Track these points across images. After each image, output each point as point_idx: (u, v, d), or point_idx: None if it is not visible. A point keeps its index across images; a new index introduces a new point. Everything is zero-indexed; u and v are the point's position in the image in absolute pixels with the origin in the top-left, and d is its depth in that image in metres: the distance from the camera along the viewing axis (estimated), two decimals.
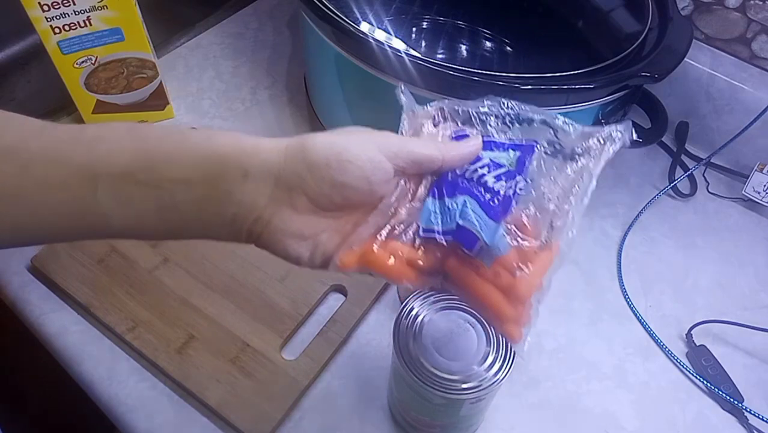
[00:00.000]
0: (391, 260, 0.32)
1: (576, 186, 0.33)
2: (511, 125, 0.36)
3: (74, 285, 0.54)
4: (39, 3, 0.58)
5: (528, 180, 0.34)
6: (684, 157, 0.72)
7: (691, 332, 0.56)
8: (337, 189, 0.31)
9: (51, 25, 0.60)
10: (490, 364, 0.40)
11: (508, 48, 0.60)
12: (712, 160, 0.69)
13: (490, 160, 0.34)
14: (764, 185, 0.65)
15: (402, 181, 0.33)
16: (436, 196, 0.33)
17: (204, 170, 0.30)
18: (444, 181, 0.34)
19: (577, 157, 0.34)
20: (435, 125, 0.36)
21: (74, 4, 0.59)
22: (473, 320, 0.42)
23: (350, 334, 0.54)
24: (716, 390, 0.52)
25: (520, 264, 0.32)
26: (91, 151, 0.29)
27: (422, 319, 0.42)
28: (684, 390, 0.54)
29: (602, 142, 0.34)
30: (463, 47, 0.60)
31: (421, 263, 0.33)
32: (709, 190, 0.69)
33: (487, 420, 0.50)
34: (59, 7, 0.59)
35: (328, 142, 0.31)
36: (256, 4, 0.87)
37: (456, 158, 0.34)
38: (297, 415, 0.50)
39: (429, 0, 0.62)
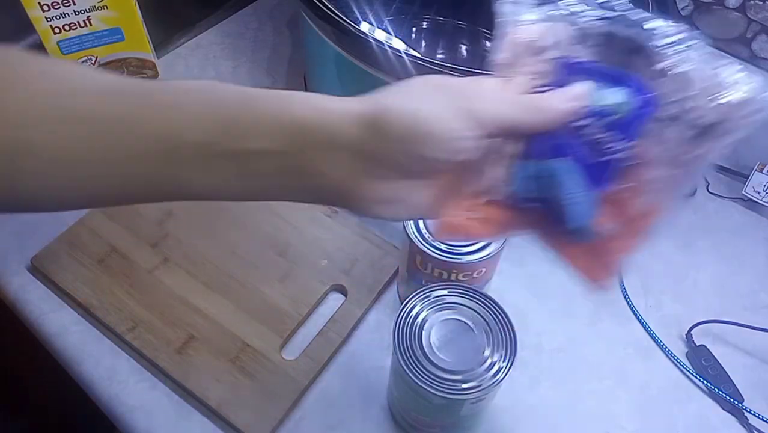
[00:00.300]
0: (480, 226, 0.32)
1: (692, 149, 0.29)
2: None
3: (74, 285, 0.54)
4: (39, 3, 0.58)
5: (638, 142, 0.29)
6: None
7: (691, 332, 0.56)
8: (416, 161, 0.30)
9: (51, 25, 0.60)
10: (490, 364, 0.40)
11: None
12: None
13: (598, 105, 0.29)
14: (764, 185, 0.65)
15: (491, 141, 0.30)
16: (530, 156, 0.30)
17: (282, 142, 0.29)
18: (539, 138, 0.30)
19: (707, 128, 0.29)
20: (537, 53, 0.31)
21: (74, 4, 0.59)
22: (473, 320, 0.42)
23: (350, 334, 0.54)
24: (716, 390, 0.52)
25: (614, 225, 0.29)
26: (166, 120, 0.29)
27: (422, 319, 0.42)
28: (684, 390, 0.54)
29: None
30: (463, 47, 0.60)
31: (511, 226, 0.32)
32: (709, 190, 0.69)
33: (488, 420, 0.50)
34: (59, 7, 0.59)
35: (403, 112, 0.29)
36: (256, 4, 0.87)
37: (552, 120, 0.30)
38: (297, 415, 0.50)
39: (429, 0, 0.62)
